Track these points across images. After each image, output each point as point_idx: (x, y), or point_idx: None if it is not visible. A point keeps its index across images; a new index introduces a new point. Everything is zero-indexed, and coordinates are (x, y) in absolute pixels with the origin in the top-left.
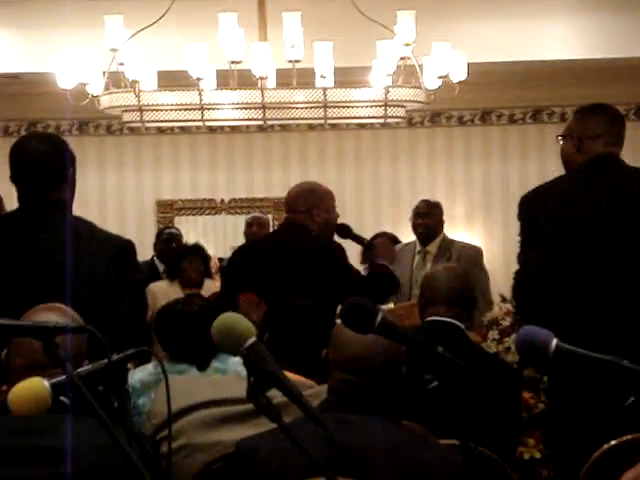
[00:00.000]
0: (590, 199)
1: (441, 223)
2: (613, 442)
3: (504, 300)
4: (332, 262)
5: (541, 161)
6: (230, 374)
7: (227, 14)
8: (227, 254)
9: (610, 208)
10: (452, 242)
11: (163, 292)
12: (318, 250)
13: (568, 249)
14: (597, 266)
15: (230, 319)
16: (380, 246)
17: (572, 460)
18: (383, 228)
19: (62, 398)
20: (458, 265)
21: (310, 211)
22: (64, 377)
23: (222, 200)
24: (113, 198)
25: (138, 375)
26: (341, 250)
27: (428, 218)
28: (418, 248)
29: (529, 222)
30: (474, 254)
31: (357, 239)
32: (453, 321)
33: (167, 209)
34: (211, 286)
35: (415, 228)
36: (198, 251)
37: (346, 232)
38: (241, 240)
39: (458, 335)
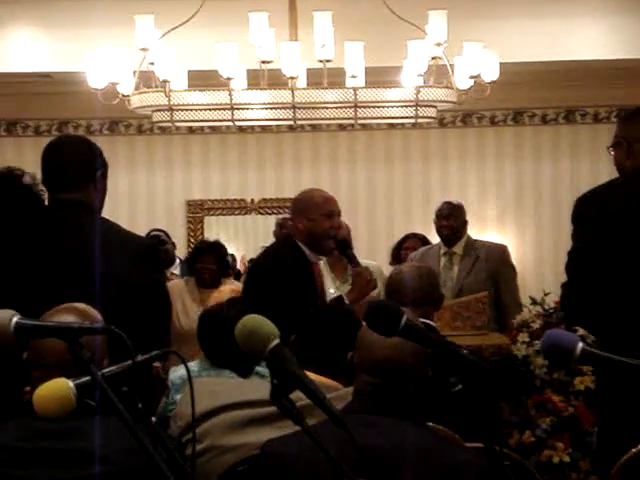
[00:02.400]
0: None
1: (465, 224)
2: None
3: (534, 302)
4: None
5: (574, 162)
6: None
7: (258, 14)
8: (256, 254)
9: None
10: (477, 242)
11: (178, 290)
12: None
13: (622, 253)
14: None
15: (253, 322)
16: (358, 278)
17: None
18: (413, 229)
19: (88, 401)
20: (423, 265)
21: (295, 219)
22: (89, 378)
23: (252, 200)
24: (143, 198)
25: (179, 372)
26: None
27: (452, 220)
28: (443, 250)
29: (583, 225)
30: (501, 253)
31: (349, 258)
32: (425, 320)
33: (197, 209)
34: (228, 285)
35: (439, 230)
36: (214, 249)
37: (343, 248)
38: (271, 240)
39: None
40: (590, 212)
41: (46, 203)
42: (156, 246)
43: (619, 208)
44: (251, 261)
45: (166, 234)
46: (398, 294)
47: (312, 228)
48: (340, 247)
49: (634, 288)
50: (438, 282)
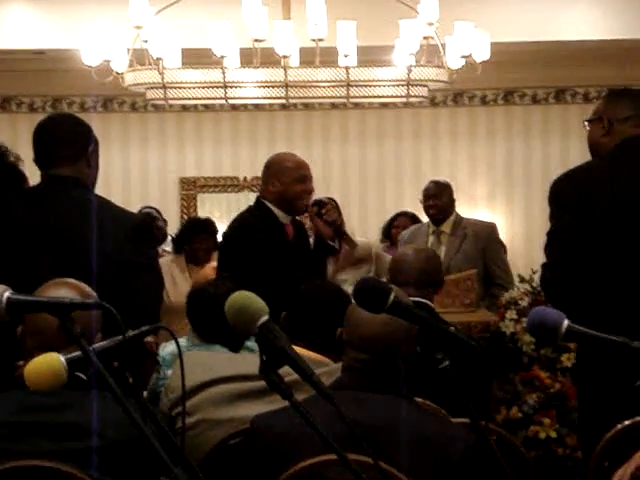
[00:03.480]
0: (623, 182)
1: (452, 202)
2: (627, 422)
3: (522, 280)
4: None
5: (564, 141)
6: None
7: None
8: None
9: None
10: (465, 220)
11: (168, 266)
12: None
13: (602, 234)
14: (632, 251)
15: (243, 298)
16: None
17: (593, 439)
18: (404, 207)
19: (78, 374)
20: (426, 247)
21: (266, 181)
22: (80, 352)
23: (245, 178)
24: (137, 175)
25: (170, 348)
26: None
27: (439, 199)
28: (432, 229)
29: (561, 207)
30: (490, 230)
31: (347, 241)
32: (424, 300)
33: (190, 186)
34: (213, 262)
35: (427, 209)
36: (207, 227)
37: (339, 234)
38: None
39: (431, 314)
40: (567, 193)
41: (29, 182)
42: (149, 223)
43: (596, 188)
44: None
45: (157, 211)
46: (402, 274)
47: (284, 191)
48: (335, 232)
49: (612, 268)
50: (441, 266)
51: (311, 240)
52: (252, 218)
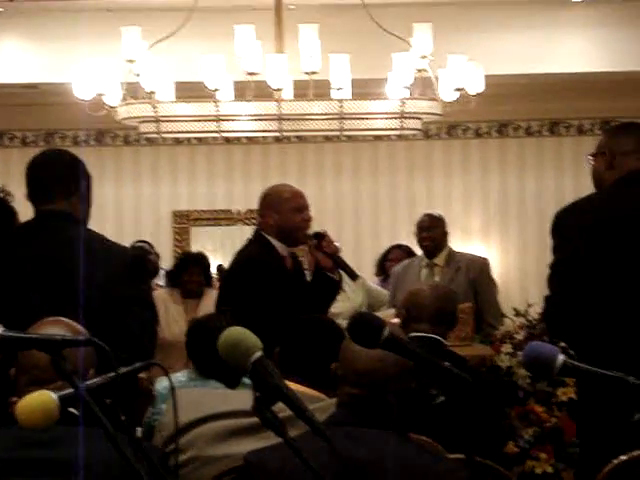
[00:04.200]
0: (625, 215)
1: (445, 235)
2: (623, 457)
3: (518, 314)
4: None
5: (558, 174)
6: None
7: (244, 26)
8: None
9: None
10: (458, 254)
11: (162, 300)
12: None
13: (604, 266)
14: (634, 284)
15: (236, 333)
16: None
17: (592, 474)
18: (399, 240)
19: (71, 409)
20: (442, 284)
21: (263, 214)
22: (72, 390)
23: (238, 211)
24: (130, 208)
25: (166, 382)
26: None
27: (432, 232)
28: (425, 262)
29: (563, 239)
30: (483, 266)
31: (348, 274)
32: (436, 337)
33: (183, 220)
34: (212, 295)
35: (420, 242)
36: (199, 261)
37: (339, 266)
38: None
39: (442, 350)
40: (569, 225)
41: (17, 217)
42: (141, 257)
43: (598, 220)
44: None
45: (150, 245)
46: (416, 309)
47: (283, 223)
48: (336, 265)
49: (614, 301)
50: (457, 304)
51: (307, 273)
52: (254, 252)
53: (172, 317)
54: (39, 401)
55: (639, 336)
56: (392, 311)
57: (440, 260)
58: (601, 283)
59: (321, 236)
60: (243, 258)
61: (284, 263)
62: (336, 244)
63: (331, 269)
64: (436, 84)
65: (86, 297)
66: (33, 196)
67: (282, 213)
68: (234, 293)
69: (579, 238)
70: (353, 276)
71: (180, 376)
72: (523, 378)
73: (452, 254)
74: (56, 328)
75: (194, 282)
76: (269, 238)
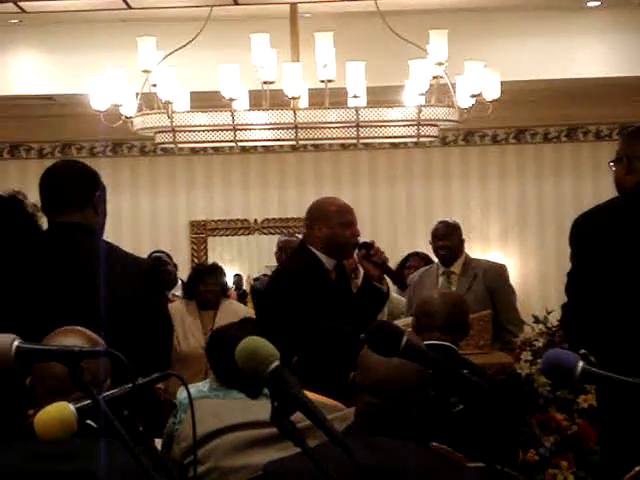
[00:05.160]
0: None
1: (462, 243)
2: None
3: (537, 321)
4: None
5: (576, 179)
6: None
7: (259, 35)
8: (260, 274)
9: None
10: (475, 261)
11: (179, 312)
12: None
13: (620, 272)
14: None
15: (254, 343)
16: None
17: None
18: (416, 248)
19: (89, 422)
20: (452, 291)
21: (311, 226)
22: (90, 401)
23: (255, 220)
24: (147, 219)
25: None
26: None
27: (448, 240)
28: (441, 270)
29: (580, 246)
30: (500, 272)
31: (394, 279)
32: (448, 344)
33: (200, 230)
34: (228, 306)
35: (436, 250)
36: (214, 271)
37: (367, 252)
38: (274, 260)
39: (454, 357)
40: (587, 232)
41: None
42: (157, 268)
43: (616, 227)
44: (256, 280)
45: (168, 255)
46: (428, 318)
47: (332, 236)
48: (383, 270)
49: (632, 307)
50: (468, 312)
51: (358, 283)
52: (299, 264)
53: (189, 329)
54: (57, 413)
55: None
56: (410, 320)
57: (457, 268)
58: (617, 289)
59: (369, 246)
60: (287, 270)
61: (329, 276)
62: (384, 257)
63: (379, 279)
64: (453, 91)
65: (102, 308)
66: (47, 207)
67: (332, 227)
68: (275, 305)
69: (596, 246)
70: (403, 285)
71: (201, 386)
72: (543, 385)
73: (469, 261)
74: (72, 337)
75: (210, 292)
76: (314, 251)
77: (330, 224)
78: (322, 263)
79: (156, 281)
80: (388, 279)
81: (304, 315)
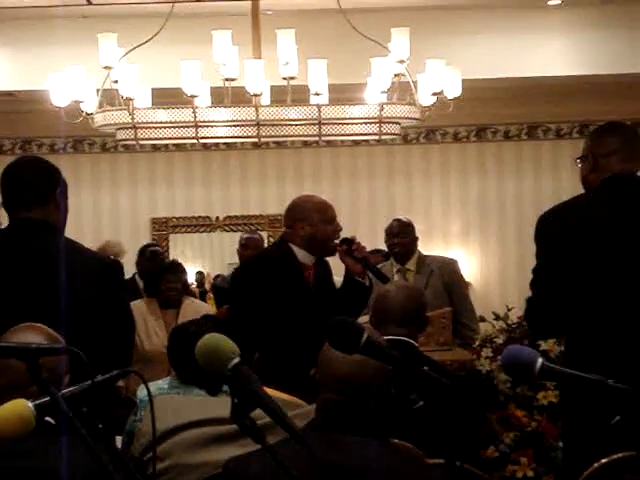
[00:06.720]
0: (607, 217)
1: (415, 240)
2: (604, 460)
3: (497, 318)
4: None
5: (536, 177)
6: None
7: (221, 32)
8: (222, 271)
9: (626, 226)
10: (429, 257)
11: (141, 312)
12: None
13: (585, 269)
14: (615, 286)
15: (214, 340)
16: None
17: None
18: (378, 245)
19: (47, 418)
20: (410, 283)
21: (294, 225)
22: (48, 398)
23: (217, 217)
24: (108, 216)
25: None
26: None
27: (403, 237)
28: (396, 267)
29: (545, 243)
30: (454, 267)
31: (377, 274)
32: (408, 339)
33: (162, 227)
34: (190, 305)
35: (391, 248)
36: (174, 270)
37: (368, 267)
38: (236, 258)
39: (415, 354)
40: (552, 228)
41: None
42: (118, 265)
43: (580, 223)
44: (217, 277)
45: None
46: (384, 312)
47: (315, 233)
48: (364, 265)
49: (595, 302)
50: (425, 304)
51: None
52: (272, 252)
53: (151, 328)
54: (14, 410)
55: (620, 338)
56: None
57: (411, 265)
58: (582, 285)
59: (350, 241)
60: (260, 255)
61: (301, 270)
62: (366, 252)
63: (361, 274)
64: (414, 89)
65: (62, 305)
66: (8, 204)
67: (314, 224)
68: (244, 289)
69: (563, 242)
70: (384, 279)
71: (162, 383)
72: (503, 382)
73: (422, 258)
74: (31, 334)
75: (171, 290)
76: (293, 247)
77: (312, 222)
78: (297, 258)
79: (116, 278)
80: (370, 274)
81: (271, 303)
